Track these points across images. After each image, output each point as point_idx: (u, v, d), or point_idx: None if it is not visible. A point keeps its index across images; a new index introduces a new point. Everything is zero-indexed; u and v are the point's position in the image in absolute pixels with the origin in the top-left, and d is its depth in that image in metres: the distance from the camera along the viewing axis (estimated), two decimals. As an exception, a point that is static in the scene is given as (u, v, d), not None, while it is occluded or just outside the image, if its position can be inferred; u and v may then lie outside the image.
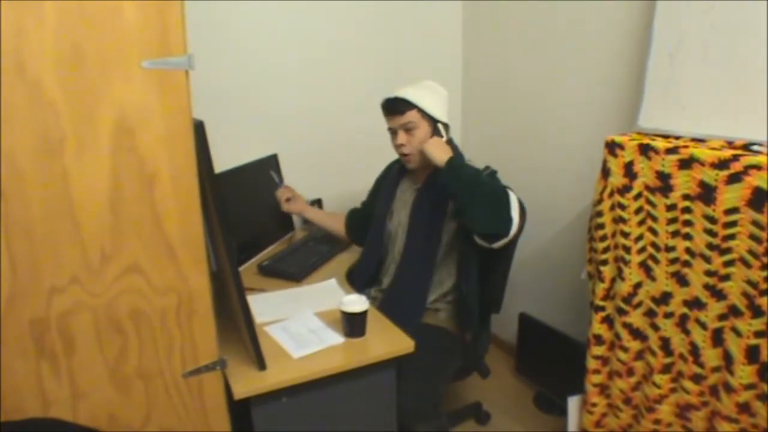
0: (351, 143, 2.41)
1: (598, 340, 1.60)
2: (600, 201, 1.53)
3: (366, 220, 1.94)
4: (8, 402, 1.05)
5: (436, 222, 1.70)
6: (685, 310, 1.39)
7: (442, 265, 1.75)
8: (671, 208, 1.37)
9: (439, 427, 1.61)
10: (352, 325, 1.42)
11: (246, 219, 2.00)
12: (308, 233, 2.25)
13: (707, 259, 1.31)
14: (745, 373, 1.27)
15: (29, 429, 1.02)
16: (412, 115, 1.65)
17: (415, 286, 1.73)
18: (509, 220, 1.48)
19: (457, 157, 1.59)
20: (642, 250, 1.45)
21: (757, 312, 1.23)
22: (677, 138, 1.45)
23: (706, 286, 1.33)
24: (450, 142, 1.74)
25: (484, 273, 1.73)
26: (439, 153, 1.58)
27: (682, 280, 1.38)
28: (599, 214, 1.54)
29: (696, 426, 1.43)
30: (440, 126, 1.68)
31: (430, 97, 1.68)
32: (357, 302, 1.42)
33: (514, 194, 1.55)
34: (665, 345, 1.45)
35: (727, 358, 1.30)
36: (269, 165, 2.18)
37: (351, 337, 1.43)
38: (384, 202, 1.85)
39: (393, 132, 1.72)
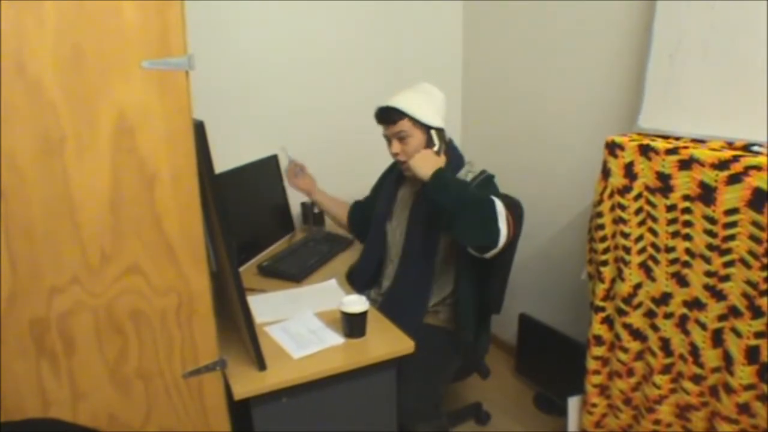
0: (351, 143, 2.41)
1: (598, 340, 1.60)
2: (600, 201, 1.53)
3: (367, 215, 1.94)
4: (8, 402, 1.05)
5: (434, 226, 1.70)
6: (685, 310, 1.39)
7: (441, 270, 1.74)
8: (671, 208, 1.37)
9: (440, 427, 1.61)
10: (352, 325, 1.42)
11: (246, 219, 2.00)
12: (308, 234, 2.25)
13: (707, 260, 1.31)
14: (744, 373, 1.27)
15: (29, 429, 1.02)
16: (404, 124, 1.63)
17: (415, 289, 1.73)
18: (496, 231, 1.47)
19: (443, 170, 1.56)
20: (642, 250, 1.45)
21: (757, 313, 1.23)
22: (677, 138, 1.45)
23: (706, 287, 1.33)
24: (450, 143, 1.73)
25: (483, 277, 1.73)
26: (424, 168, 1.56)
27: (682, 281, 1.38)
28: (599, 214, 1.53)
29: (696, 426, 1.42)
30: (433, 133, 1.65)
31: (424, 103, 1.65)
32: (357, 303, 1.42)
33: (502, 204, 1.51)
34: (665, 345, 1.45)
35: (727, 358, 1.30)
36: (269, 165, 2.18)
37: (351, 338, 1.43)
38: (384, 203, 1.85)
39: (388, 140, 1.70)
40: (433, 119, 1.65)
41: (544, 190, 2.25)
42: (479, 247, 1.54)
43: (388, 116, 1.65)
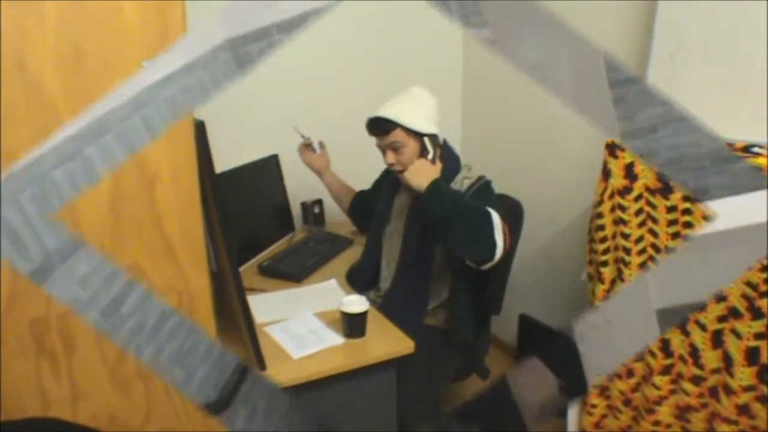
0: (351, 143, 2.40)
1: (598, 340, 1.60)
2: (600, 202, 1.53)
3: (368, 203, 1.94)
4: (8, 402, 1.05)
5: (431, 231, 1.68)
6: (685, 311, 1.39)
7: (439, 275, 1.73)
8: (671, 209, 1.37)
9: (439, 427, 1.61)
10: (352, 325, 1.42)
11: (246, 219, 2.00)
12: (308, 234, 2.25)
13: (707, 261, 1.31)
14: (744, 374, 1.27)
15: (29, 429, 1.02)
16: (396, 134, 1.59)
17: (413, 293, 1.72)
18: (492, 244, 1.46)
19: (438, 182, 1.54)
20: (642, 251, 1.45)
21: (756, 314, 1.23)
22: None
23: (706, 288, 1.32)
24: (444, 144, 1.70)
25: (481, 283, 1.71)
26: (419, 180, 1.53)
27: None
28: (599, 215, 1.53)
29: (695, 427, 1.42)
30: (427, 140, 1.61)
31: (415, 110, 1.60)
32: (357, 303, 1.41)
33: (498, 216, 1.50)
34: (665, 346, 1.45)
35: (727, 359, 1.30)
36: (269, 165, 2.18)
37: (351, 338, 1.43)
38: (384, 204, 1.85)
39: (382, 150, 1.67)
40: (426, 125, 1.61)
41: (544, 191, 2.25)
42: (476, 260, 1.53)
43: (379, 127, 1.62)
